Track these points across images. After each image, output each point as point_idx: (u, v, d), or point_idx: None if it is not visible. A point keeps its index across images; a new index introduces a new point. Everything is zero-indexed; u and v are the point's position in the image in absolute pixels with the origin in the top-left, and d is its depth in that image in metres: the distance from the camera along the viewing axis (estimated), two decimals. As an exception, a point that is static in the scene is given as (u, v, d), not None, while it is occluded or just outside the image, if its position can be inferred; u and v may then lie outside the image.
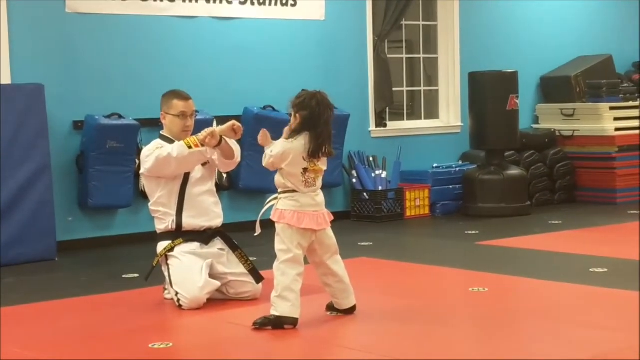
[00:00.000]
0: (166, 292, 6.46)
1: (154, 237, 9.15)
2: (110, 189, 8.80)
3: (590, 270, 7.21)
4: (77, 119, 8.86)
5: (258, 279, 6.34)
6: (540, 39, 12.25)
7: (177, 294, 6.17)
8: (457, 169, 11.03)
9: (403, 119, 11.52)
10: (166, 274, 6.30)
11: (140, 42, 9.27)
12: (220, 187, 9.16)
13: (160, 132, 6.55)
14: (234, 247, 6.40)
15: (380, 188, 10.43)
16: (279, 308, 5.53)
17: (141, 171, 6.46)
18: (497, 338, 5.39)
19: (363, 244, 8.71)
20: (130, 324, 5.91)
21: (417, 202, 10.64)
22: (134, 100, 9.12)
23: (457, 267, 7.64)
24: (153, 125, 9.18)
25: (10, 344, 5.37)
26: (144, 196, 9.08)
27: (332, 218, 5.81)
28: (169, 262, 6.29)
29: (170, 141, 6.35)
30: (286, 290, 5.53)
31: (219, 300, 6.27)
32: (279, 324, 5.53)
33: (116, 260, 8.42)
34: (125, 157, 8.86)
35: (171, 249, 6.29)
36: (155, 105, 9.14)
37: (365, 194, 10.41)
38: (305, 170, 5.61)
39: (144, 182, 6.59)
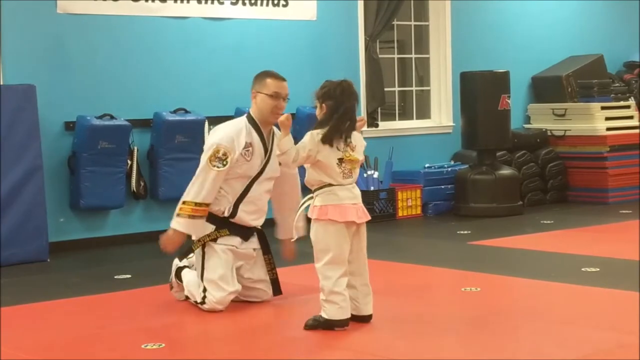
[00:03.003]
0: (173, 290, 6.38)
1: (146, 237, 9.19)
2: (102, 189, 8.78)
3: (583, 269, 7.22)
4: (69, 119, 8.84)
5: (276, 291, 6.21)
6: (531, 39, 12.27)
7: (205, 290, 6.00)
8: (449, 169, 11.04)
9: (395, 119, 11.53)
10: (199, 261, 6.08)
11: (132, 43, 9.26)
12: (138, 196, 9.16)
13: (249, 110, 6.17)
14: (266, 250, 6.23)
15: (372, 188, 10.43)
16: (327, 311, 5.44)
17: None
18: (490, 338, 5.40)
19: (355, 244, 8.70)
20: (122, 324, 5.90)
21: (409, 202, 10.64)
22: (125, 101, 9.11)
23: (450, 267, 7.65)
24: (145, 126, 9.19)
25: (2, 345, 5.35)
26: (135, 197, 9.11)
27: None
28: (206, 250, 6.05)
29: (255, 124, 6.05)
30: (331, 293, 5.42)
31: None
32: (329, 326, 5.46)
33: (108, 261, 8.41)
34: (117, 157, 8.84)
35: (214, 239, 6.07)
36: (147, 105, 9.22)
37: (357, 194, 10.39)
38: (340, 160, 5.46)
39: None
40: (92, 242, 8.98)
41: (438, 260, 7.94)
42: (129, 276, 7.51)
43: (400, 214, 10.57)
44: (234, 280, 6.07)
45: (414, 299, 6.49)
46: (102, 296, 6.82)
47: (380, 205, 10.38)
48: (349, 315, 5.49)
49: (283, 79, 6.15)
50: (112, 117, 8.88)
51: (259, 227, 6.26)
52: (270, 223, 6.40)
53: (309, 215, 5.56)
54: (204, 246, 6.08)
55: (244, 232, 6.15)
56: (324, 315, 5.47)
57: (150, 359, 5.11)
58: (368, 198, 10.31)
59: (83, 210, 8.90)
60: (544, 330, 5.39)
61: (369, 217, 5.62)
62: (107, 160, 8.77)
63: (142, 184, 9.13)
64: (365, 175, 10.46)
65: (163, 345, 5.31)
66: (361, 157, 5.62)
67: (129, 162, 9.01)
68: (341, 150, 5.48)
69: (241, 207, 6.09)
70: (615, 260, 7.61)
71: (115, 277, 7.50)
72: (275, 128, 6.14)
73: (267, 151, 6.12)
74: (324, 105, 5.52)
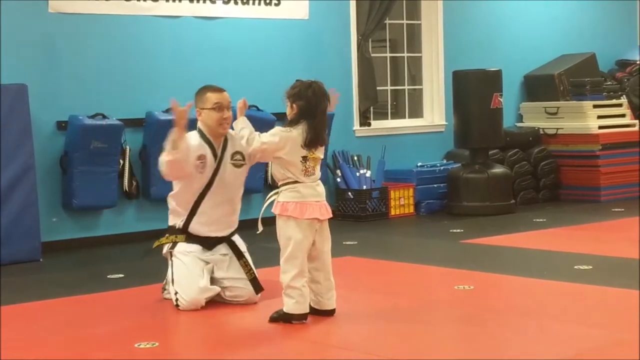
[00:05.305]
0: (165, 292, 6.40)
1: (139, 237, 9.20)
2: (95, 189, 8.77)
3: (575, 267, 7.23)
4: (61, 119, 8.83)
5: (258, 289, 6.21)
6: (523, 38, 12.28)
7: (176, 293, 6.10)
8: (442, 167, 11.04)
9: (387, 118, 11.53)
10: (169, 270, 6.21)
11: (124, 42, 9.25)
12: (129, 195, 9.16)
13: (198, 126, 6.27)
14: (239, 255, 6.26)
15: (364, 187, 10.43)
16: (285, 305, 5.59)
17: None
18: (483, 336, 5.40)
19: (348, 243, 8.71)
20: (115, 324, 5.89)
21: (401, 201, 10.65)
22: (117, 100, 9.10)
23: (442, 265, 7.65)
24: (137, 125, 9.19)
25: (-5, 345, 5.36)
26: (128, 196, 9.10)
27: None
28: (172, 259, 6.20)
29: (206, 137, 6.16)
30: (288, 288, 5.57)
31: (208, 301, 6.22)
32: (287, 319, 5.59)
33: (101, 260, 8.39)
34: (110, 157, 8.83)
35: (174, 245, 6.20)
36: (139, 105, 9.21)
37: (349, 193, 10.41)
38: (304, 158, 5.59)
39: None
40: (85, 242, 8.96)
41: (431, 259, 7.95)
42: (121, 276, 7.50)
43: (392, 212, 10.57)
44: (202, 278, 6.10)
45: (407, 297, 6.49)
46: (95, 296, 6.81)
47: (372, 204, 10.39)
48: (306, 311, 5.61)
49: (222, 90, 6.27)
50: (104, 117, 8.87)
51: (227, 237, 6.29)
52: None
53: (272, 210, 5.65)
54: (171, 256, 6.22)
55: (205, 241, 6.22)
56: (284, 309, 5.60)
57: (143, 359, 5.11)
58: (361, 197, 10.34)
59: (75, 210, 8.88)
60: (536, 328, 5.40)
61: (330, 215, 5.73)
62: (100, 159, 8.76)
63: (134, 183, 9.13)
64: (358, 174, 10.46)
65: (156, 344, 5.30)
66: (322, 156, 5.75)
67: (121, 161, 9.00)
68: (305, 149, 5.60)
69: (195, 219, 6.20)
70: (607, 258, 7.62)
71: (108, 276, 7.48)
72: (228, 135, 6.26)
73: (218, 160, 6.18)
74: (294, 105, 5.64)
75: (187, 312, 6.03)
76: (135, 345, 5.26)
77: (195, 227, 6.20)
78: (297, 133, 5.58)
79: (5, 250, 8.12)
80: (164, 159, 6.03)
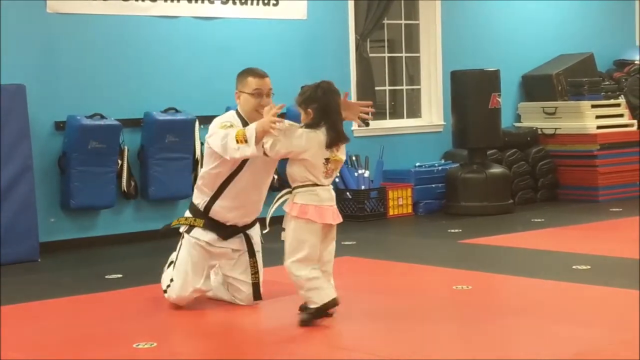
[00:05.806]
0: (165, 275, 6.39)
1: (137, 237, 9.19)
2: (93, 189, 8.76)
3: (573, 267, 7.23)
4: (59, 119, 8.83)
5: (257, 296, 6.14)
6: (521, 38, 12.28)
7: (171, 280, 6.07)
8: (440, 167, 11.04)
9: (385, 118, 11.53)
10: (176, 252, 6.14)
11: (122, 42, 9.24)
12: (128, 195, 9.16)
13: (237, 109, 6.08)
14: (251, 253, 6.15)
15: (363, 187, 10.43)
16: (315, 299, 5.51)
17: (206, 137, 5.95)
18: (481, 336, 5.40)
19: (346, 243, 8.70)
20: (114, 324, 5.89)
21: (399, 201, 10.65)
22: (116, 101, 9.09)
23: (441, 265, 7.65)
24: (135, 125, 9.18)
25: (-6, 346, 5.36)
26: (126, 197, 9.10)
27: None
28: (183, 241, 6.10)
29: (244, 120, 5.93)
30: (309, 281, 5.50)
31: (206, 301, 6.23)
32: (322, 312, 5.52)
33: (99, 261, 8.39)
34: (108, 157, 8.83)
35: (190, 228, 6.06)
36: (137, 105, 9.21)
37: (348, 193, 10.41)
38: (327, 160, 5.55)
39: (205, 147, 6.05)
40: (83, 242, 8.96)
41: (429, 259, 7.94)
42: (120, 276, 7.50)
43: (391, 212, 10.57)
44: (200, 278, 6.05)
45: (405, 297, 6.49)
46: (93, 296, 6.81)
47: (371, 204, 10.39)
48: (335, 295, 5.55)
49: (264, 76, 6.05)
50: (102, 117, 8.86)
51: (247, 227, 6.16)
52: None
53: (287, 210, 5.60)
54: (183, 237, 6.13)
55: (223, 230, 6.07)
56: (313, 305, 5.53)
57: (142, 359, 5.10)
58: (359, 197, 10.33)
59: (74, 210, 8.88)
60: (535, 328, 5.40)
61: (340, 220, 5.69)
62: (98, 160, 8.75)
63: (132, 183, 9.12)
64: (356, 174, 10.46)
65: (155, 344, 5.30)
66: (344, 157, 5.71)
67: (120, 161, 8.99)
68: (328, 150, 5.56)
69: (218, 202, 6.02)
70: (606, 257, 7.62)
71: (107, 276, 7.48)
72: None
73: None
74: (309, 110, 5.58)
75: (186, 311, 6.03)
76: (134, 346, 5.26)
77: (216, 211, 6.03)
78: (322, 134, 5.53)
79: (4, 250, 8.12)
80: (247, 151, 5.59)
